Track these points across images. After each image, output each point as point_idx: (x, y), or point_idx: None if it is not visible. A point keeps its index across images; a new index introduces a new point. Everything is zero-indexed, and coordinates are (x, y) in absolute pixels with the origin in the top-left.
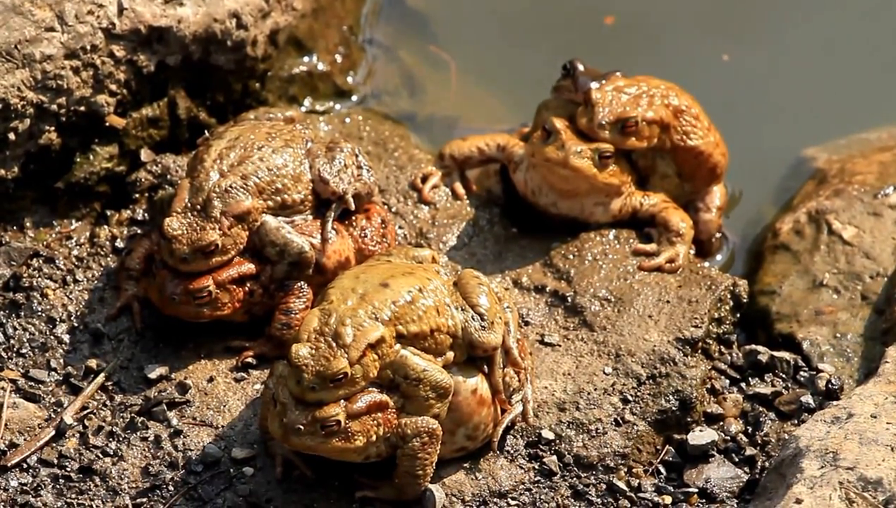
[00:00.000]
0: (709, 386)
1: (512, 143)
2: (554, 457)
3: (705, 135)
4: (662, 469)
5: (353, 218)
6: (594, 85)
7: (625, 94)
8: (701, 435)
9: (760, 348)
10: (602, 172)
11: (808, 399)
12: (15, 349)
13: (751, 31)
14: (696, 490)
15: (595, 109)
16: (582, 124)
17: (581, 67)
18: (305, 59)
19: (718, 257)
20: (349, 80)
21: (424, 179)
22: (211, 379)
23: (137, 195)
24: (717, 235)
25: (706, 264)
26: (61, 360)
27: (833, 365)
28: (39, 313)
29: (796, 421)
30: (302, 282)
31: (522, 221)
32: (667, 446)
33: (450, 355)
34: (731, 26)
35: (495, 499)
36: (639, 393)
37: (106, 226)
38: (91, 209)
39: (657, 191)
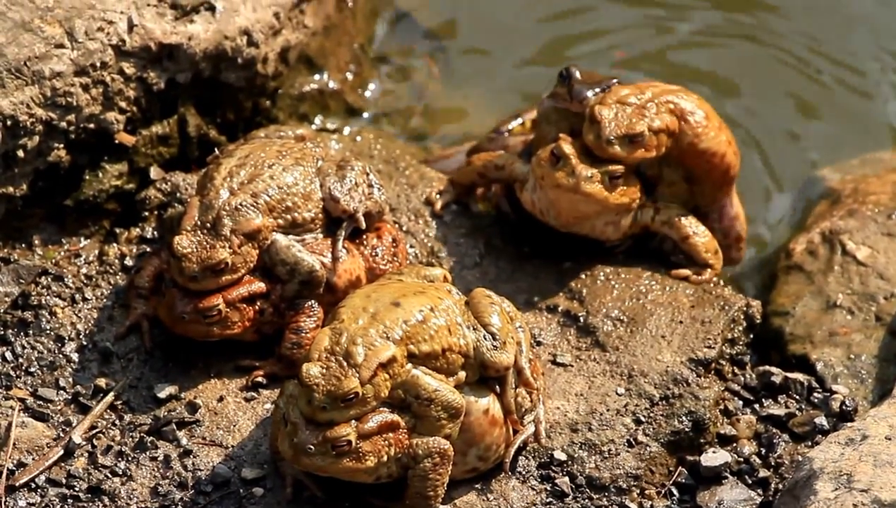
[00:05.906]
0: (722, 407)
1: (510, 162)
2: (566, 478)
3: (716, 134)
4: (675, 491)
5: (364, 236)
6: (590, 94)
7: (629, 106)
8: (714, 457)
9: (774, 369)
10: (613, 193)
11: (821, 420)
12: (23, 367)
13: (763, 49)
14: None
15: (601, 126)
16: (589, 141)
17: (577, 75)
18: (316, 76)
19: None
20: (360, 98)
21: (440, 194)
22: (221, 399)
23: (147, 213)
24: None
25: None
26: (70, 379)
27: (847, 386)
28: (48, 331)
29: (810, 443)
30: (312, 301)
31: (535, 239)
32: (680, 467)
33: (461, 375)
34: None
35: None
36: (651, 414)
37: (115, 244)
38: (100, 227)
39: (666, 199)
